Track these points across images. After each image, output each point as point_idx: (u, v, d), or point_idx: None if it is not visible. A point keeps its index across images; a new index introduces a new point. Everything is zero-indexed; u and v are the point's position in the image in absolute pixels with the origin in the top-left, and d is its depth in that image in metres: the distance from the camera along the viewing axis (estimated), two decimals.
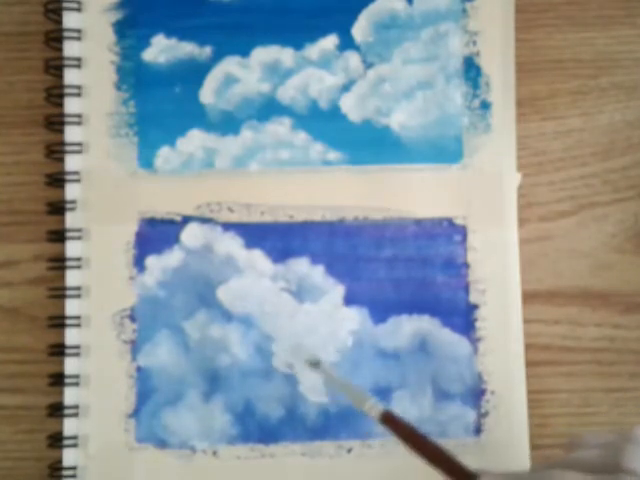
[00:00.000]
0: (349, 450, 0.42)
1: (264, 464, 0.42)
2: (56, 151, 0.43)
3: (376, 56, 0.44)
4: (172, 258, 0.43)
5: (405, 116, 0.43)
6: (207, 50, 0.44)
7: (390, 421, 0.38)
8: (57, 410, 0.42)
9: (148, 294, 0.43)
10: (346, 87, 0.44)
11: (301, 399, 0.42)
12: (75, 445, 0.42)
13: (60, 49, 0.43)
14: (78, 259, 0.42)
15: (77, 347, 0.42)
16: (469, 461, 0.42)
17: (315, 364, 0.41)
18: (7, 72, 0.44)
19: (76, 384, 0.42)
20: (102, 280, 0.42)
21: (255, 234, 0.43)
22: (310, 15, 0.44)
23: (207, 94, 0.43)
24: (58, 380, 0.42)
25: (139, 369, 0.42)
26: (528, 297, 0.43)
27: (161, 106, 0.43)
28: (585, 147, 0.45)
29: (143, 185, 0.43)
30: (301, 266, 0.43)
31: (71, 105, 0.43)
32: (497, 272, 0.43)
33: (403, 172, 0.43)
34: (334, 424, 0.42)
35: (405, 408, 0.42)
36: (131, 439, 0.42)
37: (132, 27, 0.43)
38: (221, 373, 0.42)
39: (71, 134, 0.43)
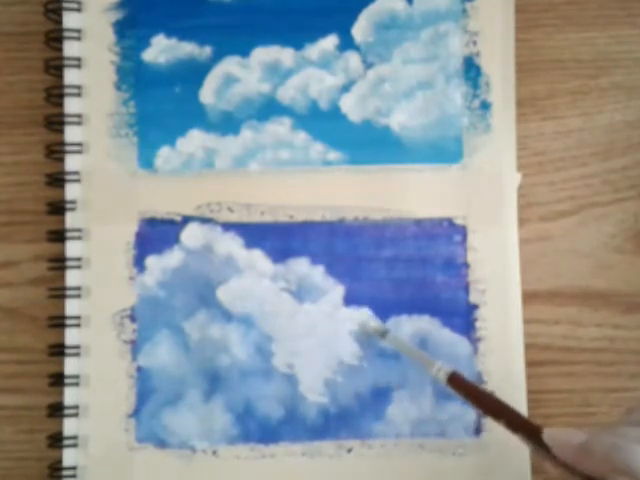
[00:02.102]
0: (349, 450, 0.42)
1: (264, 464, 0.42)
2: (56, 151, 0.43)
3: (376, 56, 0.44)
4: (172, 258, 0.43)
5: (405, 116, 0.43)
6: (207, 50, 0.44)
7: (456, 382, 0.38)
8: (57, 410, 0.42)
9: (148, 294, 0.43)
10: (346, 87, 0.44)
11: (301, 399, 0.42)
12: (75, 445, 0.42)
13: (60, 49, 0.43)
14: (78, 259, 0.42)
15: (77, 347, 0.42)
16: (469, 461, 0.42)
17: (383, 333, 0.41)
18: (7, 72, 0.45)
19: (76, 384, 0.42)
20: (102, 280, 0.42)
21: (255, 234, 0.43)
22: (310, 15, 0.44)
23: (207, 94, 0.43)
24: (58, 380, 0.42)
25: (139, 369, 0.42)
26: (528, 297, 0.43)
27: (161, 106, 0.43)
28: (585, 147, 0.45)
29: (143, 185, 0.43)
30: (301, 266, 0.43)
31: (71, 105, 0.43)
32: (497, 272, 0.43)
33: (403, 172, 0.43)
34: (334, 424, 0.42)
35: (405, 408, 0.42)
36: (131, 439, 0.42)
37: (132, 27, 0.43)
38: (221, 373, 0.42)
39: (71, 134, 0.43)
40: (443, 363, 0.39)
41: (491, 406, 0.38)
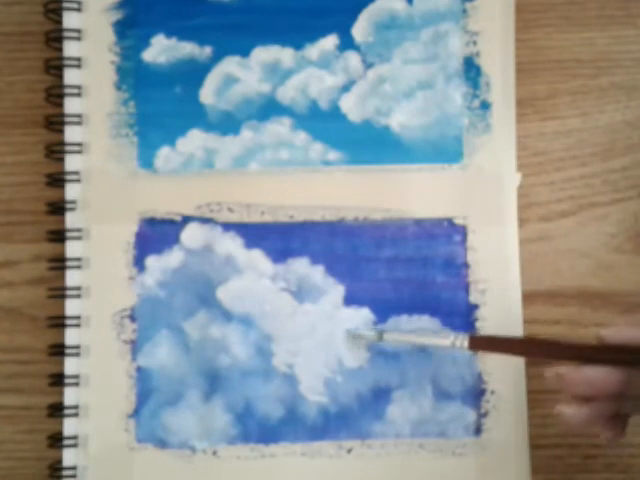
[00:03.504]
0: (349, 450, 0.42)
1: (264, 464, 0.42)
2: (56, 151, 0.43)
3: (376, 56, 0.44)
4: (172, 258, 0.43)
5: (405, 116, 0.43)
6: (207, 50, 0.44)
7: (478, 344, 0.39)
8: (57, 410, 0.42)
9: (148, 294, 0.43)
10: (346, 87, 0.44)
11: (301, 399, 0.42)
12: (75, 445, 0.42)
13: (60, 49, 0.43)
14: (78, 259, 0.42)
15: (77, 347, 0.42)
16: (469, 461, 0.42)
17: (379, 336, 0.41)
18: (7, 72, 0.45)
19: (76, 384, 0.42)
20: (102, 280, 0.42)
21: (255, 234, 0.43)
22: (310, 15, 0.44)
23: (207, 94, 0.43)
24: (58, 380, 0.42)
25: (139, 369, 0.42)
26: (528, 297, 0.43)
27: (161, 106, 0.43)
28: (585, 147, 0.45)
29: (143, 185, 0.43)
30: (301, 266, 0.43)
31: (71, 105, 0.43)
32: (497, 272, 0.43)
33: (403, 172, 0.43)
34: (334, 424, 0.42)
35: (405, 408, 0.42)
36: (131, 439, 0.42)
37: (132, 27, 0.43)
38: (221, 373, 0.42)
39: (71, 134, 0.43)
40: (454, 334, 0.39)
41: (522, 347, 0.38)
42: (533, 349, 0.38)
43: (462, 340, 0.39)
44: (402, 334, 0.41)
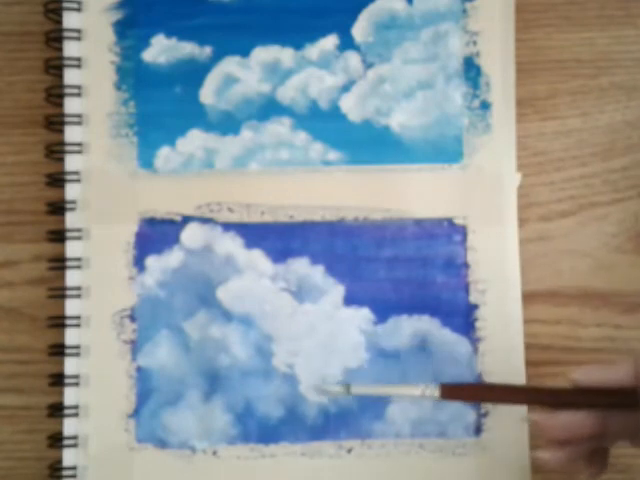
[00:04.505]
0: (349, 450, 0.42)
1: (264, 464, 0.42)
2: (56, 151, 0.43)
3: (376, 56, 0.44)
4: (172, 258, 0.43)
5: (405, 116, 0.43)
6: (207, 50, 0.44)
7: (450, 392, 0.38)
8: (57, 410, 0.42)
9: (148, 294, 0.43)
10: (346, 87, 0.44)
11: (301, 399, 0.42)
12: (75, 445, 0.42)
13: (60, 49, 0.43)
14: (78, 259, 0.42)
15: (77, 347, 0.42)
16: (469, 461, 0.42)
17: (346, 389, 0.40)
18: (7, 72, 0.45)
19: (76, 384, 0.42)
20: (102, 280, 0.42)
21: (255, 234, 0.43)
22: (310, 15, 0.44)
23: (207, 94, 0.43)
24: (58, 380, 0.42)
25: (139, 369, 0.42)
26: (528, 297, 0.43)
27: (161, 106, 0.43)
28: (585, 147, 0.45)
29: (143, 185, 0.43)
30: (301, 266, 0.43)
31: (71, 105, 0.43)
32: (497, 272, 0.43)
33: (403, 172, 0.43)
34: (334, 424, 0.42)
35: (405, 408, 0.42)
36: (131, 439, 0.42)
37: (132, 27, 0.43)
38: (221, 373, 0.42)
39: (71, 134, 0.43)
40: (425, 383, 0.38)
41: (494, 395, 0.38)
42: (506, 396, 0.37)
43: (432, 389, 0.38)
44: (369, 387, 0.41)
